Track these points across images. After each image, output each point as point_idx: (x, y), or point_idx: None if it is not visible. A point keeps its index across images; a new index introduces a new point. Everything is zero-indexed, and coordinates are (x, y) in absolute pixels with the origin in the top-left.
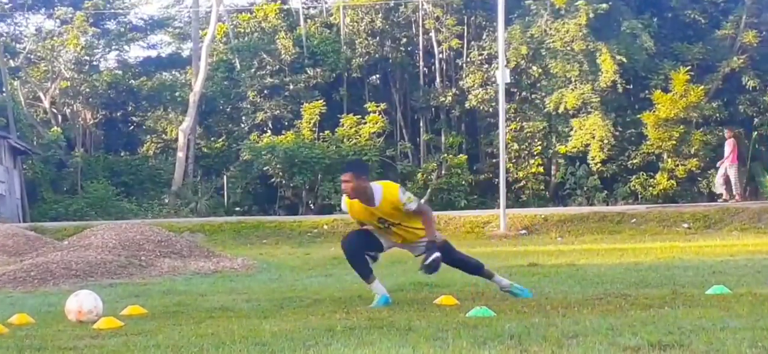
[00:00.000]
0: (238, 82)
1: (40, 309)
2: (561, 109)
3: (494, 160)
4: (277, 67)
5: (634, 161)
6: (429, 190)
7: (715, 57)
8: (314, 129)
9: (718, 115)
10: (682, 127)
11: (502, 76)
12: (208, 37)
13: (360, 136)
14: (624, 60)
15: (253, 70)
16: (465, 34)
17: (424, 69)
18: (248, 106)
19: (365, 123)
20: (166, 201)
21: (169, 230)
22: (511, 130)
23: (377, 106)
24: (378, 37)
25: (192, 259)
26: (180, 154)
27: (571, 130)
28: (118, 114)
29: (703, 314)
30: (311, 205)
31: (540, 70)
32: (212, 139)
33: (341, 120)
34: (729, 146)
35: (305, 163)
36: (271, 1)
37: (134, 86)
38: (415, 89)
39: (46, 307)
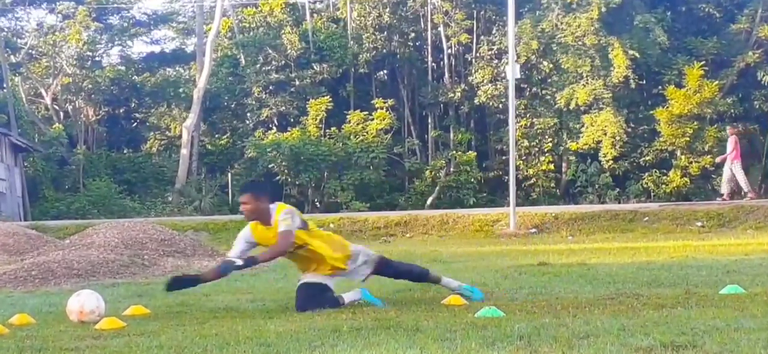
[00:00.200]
0: (242, 78)
1: (41, 309)
2: (572, 105)
3: (504, 158)
4: (283, 62)
5: (647, 158)
6: (437, 188)
7: (729, 52)
8: (320, 126)
9: (732, 111)
10: (695, 123)
11: (512, 71)
12: (213, 32)
13: (367, 132)
14: (637, 55)
15: (258, 65)
16: (474, 28)
17: (433, 64)
18: (253, 102)
19: (372, 119)
20: (170, 199)
21: (173, 229)
22: (521, 126)
23: (385, 103)
24: (385, 32)
25: (196, 258)
26: (184, 152)
27: (583, 126)
28: (121, 110)
29: (716, 314)
30: (317, 204)
31: (551, 66)
32: (216, 136)
33: (348, 116)
34: (731, 144)
35: (311, 161)
36: None
37: (137, 82)
38: (424, 85)
39: (47, 307)
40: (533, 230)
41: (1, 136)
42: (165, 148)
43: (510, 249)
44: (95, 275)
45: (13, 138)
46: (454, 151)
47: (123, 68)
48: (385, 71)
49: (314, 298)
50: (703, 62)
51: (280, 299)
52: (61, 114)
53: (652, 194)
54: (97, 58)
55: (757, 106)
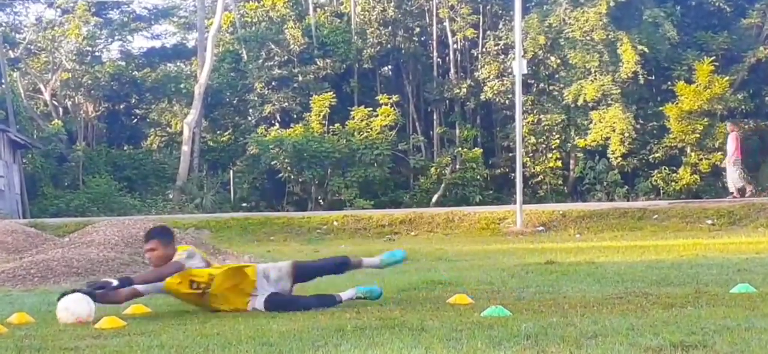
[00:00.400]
0: (245, 74)
1: (40, 308)
2: (580, 101)
3: (510, 154)
4: (286, 57)
5: (656, 155)
6: (442, 186)
7: (740, 47)
8: (324, 122)
9: (743, 107)
10: (706, 119)
11: (518, 66)
12: (214, 26)
13: (371, 129)
14: (646, 50)
15: (260, 61)
16: (480, 23)
17: (438, 60)
18: (255, 98)
19: (377, 116)
20: (171, 196)
21: (174, 226)
22: (528, 123)
23: (389, 98)
24: (390, 27)
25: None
26: (185, 148)
27: (591, 122)
28: (121, 106)
29: (727, 314)
30: (321, 201)
31: (558, 61)
32: (218, 132)
33: (352, 112)
34: (732, 141)
35: (314, 158)
36: None
37: (138, 78)
38: (429, 81)
39: (46, 306)
40: (540, 228)
41: None
42: (166, 144)
43: (517, 247)
44: (95, 273)
45: (11, 134)
46: (460, 148)
47: (123, 63)
48: (390, 66)
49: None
50: (714, 57)
51: None
52: (61, 110)
53: (661, 192)
54: (96, 53)
55: None
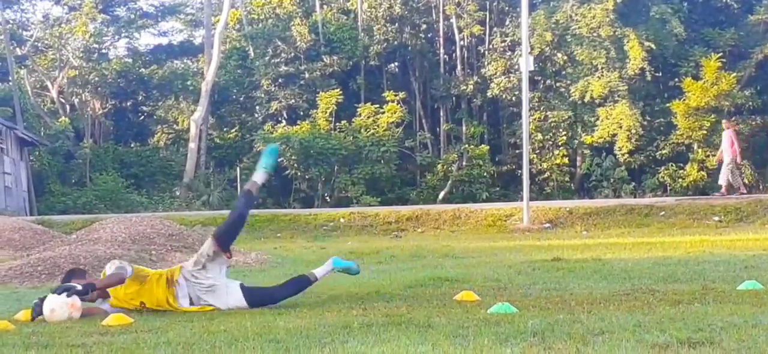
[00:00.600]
0: (251, 71)
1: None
2: (587, 98)
3: (517, 151)
4: (292, 54)
5: (663, 152)
6: (449, 183)
7: (747, 43)
8: (330, 119)
9: (751, 103)
10: (713, 116)
11: (525, 63)
12: (221, 23)
13: (378, 126)
14: (653, 46)
15: (267, 58)
16: (487, 20)
17: (445, 56)
18: (262, 95)
19: (383, 112)
20: (178, 193)
21: (181, 224)
22: (534, 119)
23: (396, 95)
24: (397, 24)
25: None
26: (192, 145)
27: (598, 119)
28: (128, 104)
29: (734, 311)
30: (327, 198)
31: (565, 57)
32: (225, 129)
33: (358, 109)
34: (729, 138)
35: (321, 155)
36: None
37: (145, 75)
38: (436, 77)
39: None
40: (547, 225)
41: (6, 129)
42: (173, 141)
43: (523, 244)
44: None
45: (18, 131)
46: (467, 145)
47: (130, 61)
48: (397, 63)
49: (259, 294)
50: (721, 54)
51: None
52: (68, 107)
53: (668, 188)
54: (103, 51)
55: None
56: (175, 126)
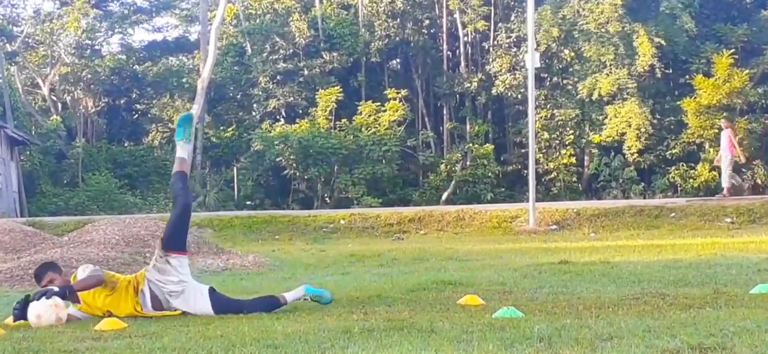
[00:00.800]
0: (249, 68)
1: None
2: (595, 96)
3: (523, 151)
4: (291, 51)
5: (674, 151)
6: (452, 183)
7: (760, 39)
8: (330, 117)
9: (763, 101)
10: (725, 114)
11: (531, 60)
12: (217, 19)
13: (379, 124)
14: (663, 42)
15: (265, 54)
16: (492, 15)
17: (448, 53)
18: (260, 92)
19: (385, 111)
20: None
21: None
22: (541, 118)
23: (398, 93)
24: (399, 19)
25: (200, 256)
26: None
27: (606, 117)
28: (122, 101)
29: (747, 315)
30: (327, 199)
31: (572, 54)
32: (222, 128)
33: (359, 107)
34: (728, 138)
35: (320, 154)
36: None
37: (139, 72)
38: (439, 74)
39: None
40: (554, 227)
41: None
42: (167, 140)
43: (529, 247)
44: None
45: (8, 130)
46: (471, 144)
47: (123, 57)
48: (398, 60)
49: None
50: (733, 50)
51: None
52: (59, 105)
53: (679, 189)
54: (96, 47)
55: None
56: (170, 124)
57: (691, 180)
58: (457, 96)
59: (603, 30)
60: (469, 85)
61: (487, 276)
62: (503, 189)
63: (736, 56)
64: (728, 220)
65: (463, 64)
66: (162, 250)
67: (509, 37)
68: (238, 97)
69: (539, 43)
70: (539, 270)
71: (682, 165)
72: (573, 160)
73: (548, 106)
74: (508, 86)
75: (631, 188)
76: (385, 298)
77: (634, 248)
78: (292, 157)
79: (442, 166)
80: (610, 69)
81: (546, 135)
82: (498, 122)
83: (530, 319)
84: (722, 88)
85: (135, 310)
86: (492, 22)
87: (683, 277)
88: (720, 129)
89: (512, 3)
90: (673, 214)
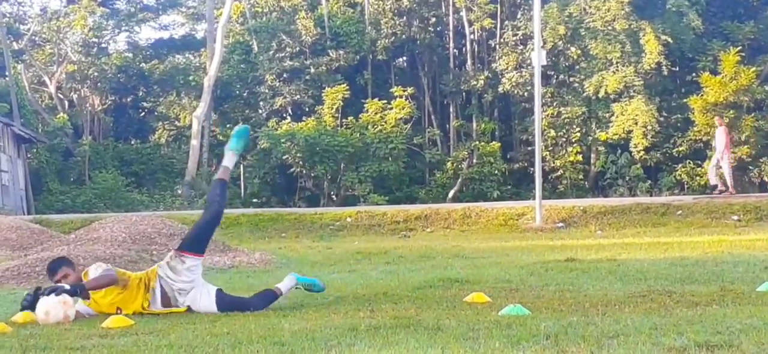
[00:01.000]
0: (255, 66)
1: None
2: (601, 93)
3: (529, 148)
4: (298, 49)
5: (680, 149)
6: (459, 181)
7: (767, 36)
8: (337, 115)
9: None
10: (732, 112)
11: (538, 57)
12: (224, 17)
13: (385, 122)
14: (669, 40)
15: (271, 52)
16: (498, 13)
17: (455, 51)
18: (266, 90)
19: (391, 108)
20: (179, 192)
21: (183, 223)
22: (547, 115)
23: (404, 91)
24: (405, 17)
25: (207, 253)
26: (194, 142)
27: (612, 115)
28: (128, 99)
29: (753, 313)
30: (333, 197)
31: (579, 52)
32: (228, 125)
33: (365, 105)
34: (721, 135)
35: (327, 152)
36: None
37: (145, 70)
38: (445, 72)
39: None
40: (560, 224)
41: (3, 126)
42: (174, 138)
43: (536, 244)
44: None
45: (15, 128)
46: (477, 142)
47: (130, 55)
48: (405, 58)
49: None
50: (740, 47)
51: (294, 297)
52: (66, 103)
53: (685, 186)
54: (103, 45)
55: None
56: (176, 122)
57: (697, 177)
58: (464, 94)
59: (609, 27)
60: (475, 82)
61: (494, 273)
62: (509, 187)
63: (743, 54)
64: (735, 217)
65: (469, 61)
66: (179, 250)
67: (516, 34)
68: (245, 94)
69: (546, 41)
70: (546, 267)
71: (689, 162)
72: (579, 157)
73: (555, 104)
74: (514, 84)
75: (637, 186)
76: (392, 296)
77: (640, 246)
78: (298, 154)
79: (449, 164)
80: (617, 66)
81: (552, 132)
82: (504, 120)
83: (537, 317)
84: (729, 86)
85: (142, 308)
86: (498, 19)
87: (690, 275)
88: (727, 126)
89: (519, 1)
90: (680, 211)
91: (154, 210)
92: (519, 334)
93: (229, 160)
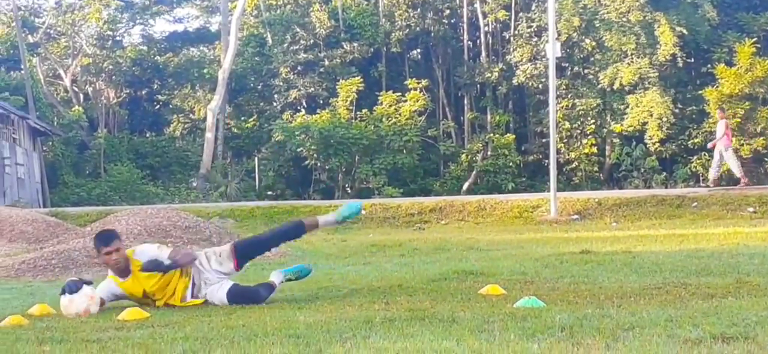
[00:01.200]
0: (269, 58)
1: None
2: (616, 85)
3: (544, 140)
4: (312, 41)
5: (696, 141)
6: (473, 173)
7: None
8: (351, 108)
9: None
10: (747, 103)
11: (552, 49)
12: (238, 9)
13: (400, 115)
14: (684, 31)
15: (285, 44)
16: (512, 4)
17: (469, 43)
18: (281, 83)
19: (405, 101)
20: (194, 185)
21: (197, 216)
22: (562, 107)
23: (418, 83)
24: (419, 9)
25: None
26: (208, 135)
27: (627, 107)
28: (143, 92)
29: None
30: (348, 189)
31: (593, 43)
32: (243, 118)
33: (380, 98)
34: (721, 128)
35: (341, 144)
36: None
37: (160, 63)
38: (459, 64)
39: None
40: (575, 217)
41: (18, 119)
42: (189, 131)
43: (551, 236)
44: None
45: (31, 121)
46: (492, 134)
47: (145, 48)
48: (419, 50)
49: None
50: (756, 39)
51: (309, 289)
52: (81, 96)
53: (701, 178)
54: (117, 38)
55: None
56: (191, 115)
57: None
58: (478, 86)
59: (624, 19)
60: (489, 74)
61: (509, 266)
62: (524, 179)
63: (759, 45)
64: (751, 209)
65: (483, 54)
66: (232, 252)
67: (530, 26)
68: (259, 87)
69: (560, 33)
70: (561, 260)
71: (704, 154)
72: (594, 149)
73: (569, 96)
74: (528, 76)
75: (652, 178)
76: (407, 288)
77: (655, 238)
78: (312, 147)
79: (463, 156)
80: (632, 58)
81: (567, 125)
82: (519, 112)
83: (552, 309)
84: (745, 78)
85: (179, 300)
86: (513, 11)
87: (705, 267)
88: (743, 118)
89: None
90: (695, 203)
91: (169, 203)
92: (534, 326)
93: (326, 220)
